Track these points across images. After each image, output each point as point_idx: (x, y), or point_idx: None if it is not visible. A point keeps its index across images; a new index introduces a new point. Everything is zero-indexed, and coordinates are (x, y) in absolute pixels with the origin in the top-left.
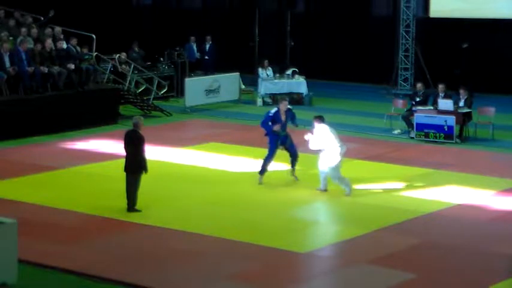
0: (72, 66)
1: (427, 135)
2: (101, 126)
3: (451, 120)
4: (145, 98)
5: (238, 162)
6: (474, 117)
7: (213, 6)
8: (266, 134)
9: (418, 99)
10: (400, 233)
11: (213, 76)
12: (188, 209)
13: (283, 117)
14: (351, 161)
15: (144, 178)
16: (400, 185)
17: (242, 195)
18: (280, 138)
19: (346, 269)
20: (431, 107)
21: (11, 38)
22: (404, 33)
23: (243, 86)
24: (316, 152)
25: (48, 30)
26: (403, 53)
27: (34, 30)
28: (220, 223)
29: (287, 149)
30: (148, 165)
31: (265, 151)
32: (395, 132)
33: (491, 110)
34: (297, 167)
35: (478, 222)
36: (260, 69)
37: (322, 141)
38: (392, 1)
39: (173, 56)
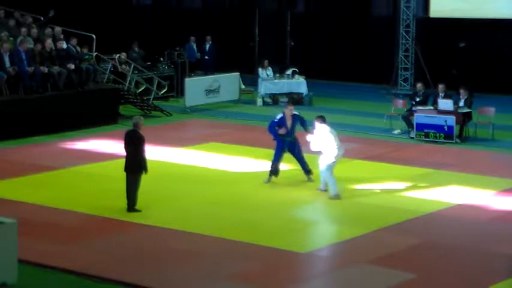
0: (72, 66)
1: (427, 135)
2: (101, 126)
3: (451, 120)
4: (145, 98)
5: (238, 162)
6: (474, 117)
7: (213, 6)
8: (274, 139)
9: (418, 99)
10: (400, 233)
11: (213, 76)
12: (188, 209)
13: (288, 123)
14: (351, 161)
15: (144, 178)
16: (400, 185)
17: (242, 195)
18: (286, 143)
19: (346, 269)
20: (431, 107)
21: (11, 38)
22: (404, 33)
23: (243, 86)
24: (317, 153)
25: (48, 30)
26: (403, 53)
27: (34, 30)
28: (220, 223)
29: (294, 157)
30: (148, 165)
31: (265, 151)
32: (395, 132)
33: (491, 110)
34: (297, 167)
35: (478, 222)
36: (260, 69)
37: (321, 141)
38: (392, 1)
39: (173, 56)
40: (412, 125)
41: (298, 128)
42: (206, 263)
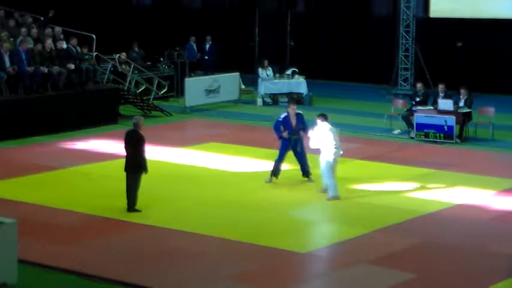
0: (72, 66)
1: (427, 135)
2: (101, 126)
3: (451, 120)
4: (145, 98)
5: (238, 162)
6: (474, 117)
7: (213, 6)
8: (279, 138)
9: (418, 99)
10: (400, 233)
11: (213, 76)
12: (188, 209)
13: (293, 122)
14: (351, 161)
15: (144, 178)
16: (400, 185)
17: (242, 195)
18: (291, 142)
19: (346, 269)
20: (431, 107)
21: (11, 39)
22: (404, 33)
23: (243, 86)
24: (316, 150)
25: (48, 30)
26: (403, 53)
27: (34, 30)
28: (220, 223)
29: (295, 155)
30: (149, 165)
31: (265, 151)
32: (395, 132)
33: (491, 110)
34: (297, 167)
35: (478, 222)
36: (260, 69)
37: (320, 139)
38: (392, 1)
39: (173, 56)
40: (412, 125)
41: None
42: (206, 263)
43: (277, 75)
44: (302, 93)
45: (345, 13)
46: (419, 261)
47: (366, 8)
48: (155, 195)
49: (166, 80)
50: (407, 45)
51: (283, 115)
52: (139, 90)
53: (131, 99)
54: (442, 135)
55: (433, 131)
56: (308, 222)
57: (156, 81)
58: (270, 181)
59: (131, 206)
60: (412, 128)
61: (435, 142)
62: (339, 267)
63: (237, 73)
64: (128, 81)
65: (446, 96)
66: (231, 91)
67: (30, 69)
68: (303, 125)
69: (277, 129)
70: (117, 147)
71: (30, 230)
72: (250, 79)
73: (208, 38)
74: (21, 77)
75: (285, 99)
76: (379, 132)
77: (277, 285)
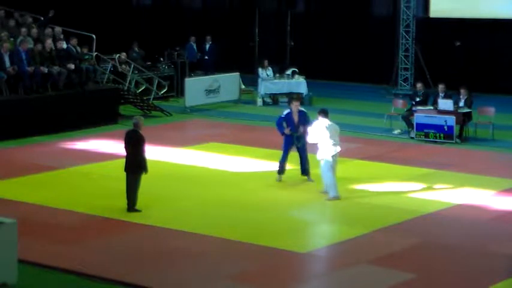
0: (72, 66)
1: (427, 135)
2: (101, 126)
3: (451, 120)
4: (145, 98)
5: (238, 162)
6: (474, 117)
7: (213, 6)
8: (282, 134)
9: (418, 99)
10: (400, 233)
11: (213, 76)
12: (188, 209)
13: (295, 118)
14: (351, 161)
15: (144, 178)
16: (400, 185)
17: (242, 195)
18: (294, 138)
19: (346, 269)
20: (431, 107)
21: (12, 39)
22: (404, 33)
23: (243, 86)
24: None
25: (48, 30)
26: (403, 53)
27: (34, 30)
28: (220, 223)
29: (298, 150)
30: (149, 165)
31: (265, 151)
32: (395, 132)
33: (491, 110)
34: (298, 167)
35: (478, 222)
36: (260, 69)
37: (318, 135)
38: (392, 1)
39: (173, 56)
40: (412, 125)
41: None
42: (206, 263)
43: (277, 75)
44: (302, 93)
45: (345, 13)
46: (419, 261)
47: (366, 8)
48: (155, 195)
49: (166, 80)
50: (407, 45)
51: (286, 112)
52: (139, 90)
53: (131, 99)
54: (442, 135)
55: (433, 131)
56: (308, 222)
57: (156, 81)
58: (280, 180)
59: (131, 206)
60: (412, 128)
61: (435, 142)
62: (338, 267)
63: (237, 73)
64: (128, 81)
65: (446, 96)
66: (231, 91)
67: (30, 69)
68: (306, 122)
69: (279, 125)
70: (117, 147)
71: (30, 230)
72: (250, 79)
73: (208, 38)
74: (21, 77)
75: (285, 99)
76: (379, 132)
77: (277, 285)
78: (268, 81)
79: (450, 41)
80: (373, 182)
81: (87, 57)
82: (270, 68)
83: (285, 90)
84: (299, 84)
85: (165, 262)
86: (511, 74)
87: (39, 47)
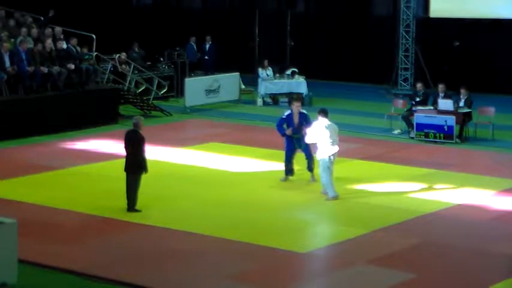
0: (72, 66)
1: (427, 135)
2: (101, 126)
3: (451, 120)
4: (145, 98)
5: (238, 162)
6: (474, 117)
7: (213, 6)
8: (282, 136)
9: (418, 99)
10: (400, 233)
11: (213, 76)
12: (188, 209)
13: (296, 120)
14: (351, 161)
15: (144, 178)
16: (400, 185)
17: (242, 195)
18: (294, 140)
19: (346, 269)
20: (431, 107)
21: (12, 39)
22: (404, 33)
23: (243, 86)
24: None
25: (48, 30)
26: (403, 53)
27: (34, 30)
28: (220, 223)
29: (302, 151)
30: (149, 165)
31: (265, 151)
32: (395, 132)
33: (491, 110)
34: (298, 167)
35: (478, 222)
36: (260, 69)
37: (317, 134)
38: (392, 1)
39: (173, 56)
40: (412, 125)
41: None
42: (206, 263)
43: (277, 75)
44: (302, 93)
45: (345, 13)
46: (419, 261)
47: (366, 8)
48: (155, 195)
49: (166, 80)
50: (407, 45)
51: (286, 113)
52: (139, 90)
53: (131, 99)
54: (442, 135)
55: (433, 131)
56: (308, 222)
57: (156, 81)
58: (286, 179)
59: (131, 206)
60: (412, 128)
61: (435, 142)
62: (338, 267)
63: (237, 73)
64: (127, 81)
65: (446, 96)
66: (231, 91)
67: (30, 69)
68: (306, 124)
69: (279, 126)
70: (117, 147)
71: (30, 230)
72: (250, 79)
73: (208, 38)
74: (21, 77)
75: (285, 99)
76: (379, 132)
77: (277, 285)
78: (268, 81)
79: (450, 41)
80: (373, 182)
81: (87, 57)
82: (270, 68)
83: (285, 90)
84: (299, 84)
85: (165, 262)
86: (511, 74)
87: (39, 47)
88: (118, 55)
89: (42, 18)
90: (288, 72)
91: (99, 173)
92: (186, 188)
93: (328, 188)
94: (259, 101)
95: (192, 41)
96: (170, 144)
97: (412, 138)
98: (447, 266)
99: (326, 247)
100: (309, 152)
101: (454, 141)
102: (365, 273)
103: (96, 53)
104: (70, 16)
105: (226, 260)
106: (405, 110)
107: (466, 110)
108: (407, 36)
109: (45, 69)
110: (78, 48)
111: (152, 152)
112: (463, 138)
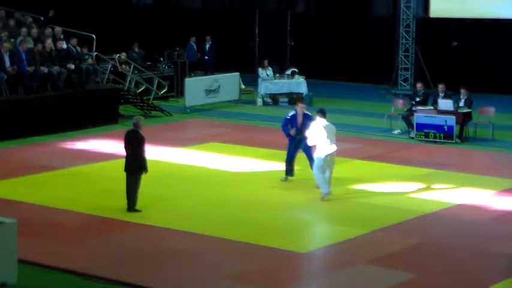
0: (72, 66)
1: (427, 135)
2: (101, 126)
3: (451, 120)
4: (145, 98)
5: (238, 162)
6: (474, 117)
7: (213, 6)
8: (286, 136)
9: (418, 99)
10: (400, 233)
11: (213, 76)
12: (188, 209)
13: (299, 121)
14: (351, 161)
15: (144, 178)
16: (400, 185)
17: (242, 195)
18: (296, 141)
19: (346, 269)
20: (431, 107)
21: (12, 39)
22: (404, 33)
23: (243, 86)
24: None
25: (48, 30)
26: (403, 53)
27: (34, 30)
28: (220, 223)
29: (303, 152)
30: (149, 165)
31: (265, 151)
32: (395, 132)
33: (491, 110)
34: (298, 167)
35: (478, 222)
36: (260, 69)
37: (316, 136)
38: (392, 1)
39: (173, 56)
40: (412, 125)
41: None
42: (206, 263)
43: (277, 75)
44: (302, 93)
45: (345, 13)
46: (419, 261)
47: (366, 8)
48: (155, 195)
49: (166, 80)
50: (407, 45)
51: (291, 113)
52: (139, 90)
53: (131, 99)
54: (442, 135)
55: (433, 131)
56: (308, 222)
57: (156, 81)
58: (285, 180)
59: (131, 206)
60: (412, 128)
61: (435, 142)
62: (338, 267)
63: (237, 73)
64: (127, 81)
65: (446, 96)
66: (231, 91)
67: (30, 69)
68: (309, 125)
69: (284, 127)
70: (117, 147)
71: (30, 230)
72: (250, 79)
73: (208, 38)
74: (21, 77)
75: (285, 100)
76: (379, 132)
77: (277, 285)
78: (268, 81)
79: (450, 41)
80: (373, 182)
81: (87, 57)
82: (270, 68)
83: (285, 90)
84: (299, 84)
85: (165, 262)
86: (511, 74)
87: (39, 47)
88: (118, 55)
89: (42, 18)
90: (288, 72)
91: (99, 173)
92: (186, 188)
93: (321, 186)
94: (259, 101)
95: (192, 41)
96: (170, 144)
97: (412, 138)
98: (447, 266)
99: (326, 247)
100: (310, 153)
101: (454, 141)
102: (365, 273)
103: (96, 53)
104: (70, 16)
105: (226, 260)
106: (405, 110)
107: (466, 110)
108: (407, 36)
109: (45, 69)
110: (78, 48)
111: (152, 152)
112: (463, 138)
